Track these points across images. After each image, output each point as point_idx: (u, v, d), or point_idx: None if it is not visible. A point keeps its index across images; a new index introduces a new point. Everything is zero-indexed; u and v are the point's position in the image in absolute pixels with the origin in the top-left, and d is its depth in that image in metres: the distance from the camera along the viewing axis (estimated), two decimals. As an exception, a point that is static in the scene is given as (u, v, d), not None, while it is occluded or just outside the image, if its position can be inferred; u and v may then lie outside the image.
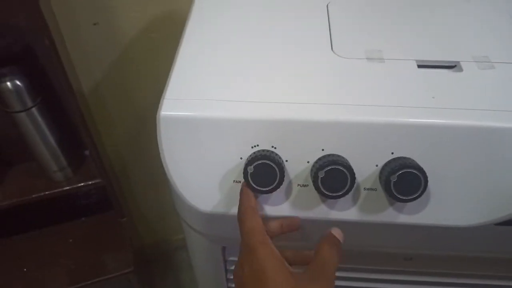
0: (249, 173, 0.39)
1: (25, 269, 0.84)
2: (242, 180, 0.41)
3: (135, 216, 1.10)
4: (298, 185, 0.42)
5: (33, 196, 0.78)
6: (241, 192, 0.41)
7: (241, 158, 0.41)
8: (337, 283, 0.55)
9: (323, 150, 0.40)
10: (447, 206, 0.40)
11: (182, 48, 0.48)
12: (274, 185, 0.39)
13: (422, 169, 0.38)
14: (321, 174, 0.38)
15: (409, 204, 0.40)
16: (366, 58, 0.46)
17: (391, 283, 0.52)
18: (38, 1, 0.56)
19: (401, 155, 0.39)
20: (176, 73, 0.44)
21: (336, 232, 0.39)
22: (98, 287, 0.84)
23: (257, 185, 0.39)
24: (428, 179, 0.38)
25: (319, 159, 0.40)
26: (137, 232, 1.13)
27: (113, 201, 0.84)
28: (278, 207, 0.42)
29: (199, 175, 0.42)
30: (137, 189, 1.08)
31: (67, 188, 0.80)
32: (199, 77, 0.44)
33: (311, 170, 0.40)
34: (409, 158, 0.39)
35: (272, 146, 0.41)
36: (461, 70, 0.44)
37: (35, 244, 0.89)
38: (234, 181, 0.42)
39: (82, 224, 0.93)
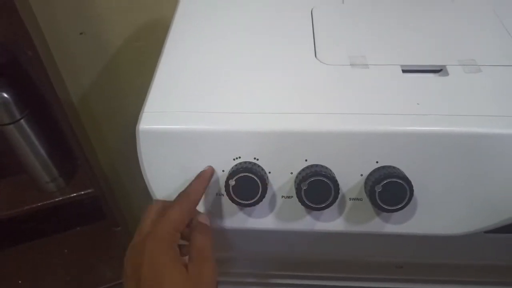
0: (230, 187, 0.38)
1: (20, 282, 0.84)
2: (223, 192, 0.40)
3: (131, 224, 1.10)
4: (282, 196, 0.41)
5: (26, 208, 0.77)
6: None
7: (223, 171, 0.40)
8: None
9: (306, 160, 0.39)
10: (434, 215, 0.39)
11: (162, 59, 0.47)
12: (257, 198, 0.38)
13: (407, 178, 0.37)
14: (304, 186, 0.37)
15: (395, 213, 0.39)
16: (350, 64, 0.45)
17: (384, 291, 0.52)
18: (19, 13, 0.56)
19: (386, 164, 0.38)
20: (155, 85, 0.43)
21: (203, 219, 0.41)
22: (94, 297, 0.84)
23: (239, 199, 0.39)
24: (414, 188, 0.37)
25: (302, 170, 0.39)
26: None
27: (106, 211, 0.83)
28: (262, 219, 0.41)
29: (181, 189, 0.41)
30: (133, 198, 1.07)
31: (60, 198, 0.80)
32: (178, 88, 0.43)
33: (294, 181, 0.39)
34: (394, 167, 0.38)
35: (255, 158, 0.40)
36: (447, 74, 0.43)
37: (30, 255, 0.88)
38: (217, 194, 0.41)
39: (77, 234, 0.93)
